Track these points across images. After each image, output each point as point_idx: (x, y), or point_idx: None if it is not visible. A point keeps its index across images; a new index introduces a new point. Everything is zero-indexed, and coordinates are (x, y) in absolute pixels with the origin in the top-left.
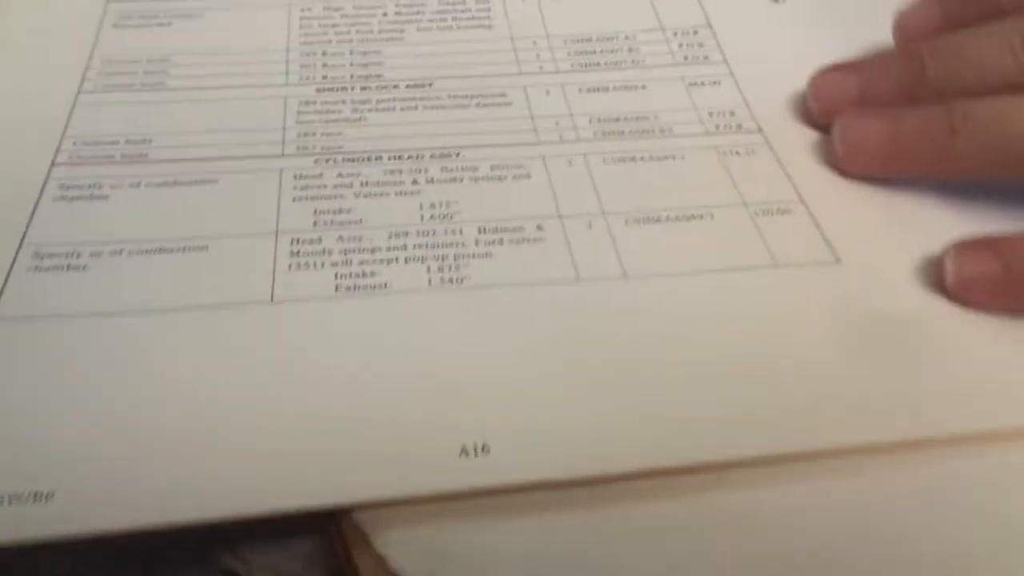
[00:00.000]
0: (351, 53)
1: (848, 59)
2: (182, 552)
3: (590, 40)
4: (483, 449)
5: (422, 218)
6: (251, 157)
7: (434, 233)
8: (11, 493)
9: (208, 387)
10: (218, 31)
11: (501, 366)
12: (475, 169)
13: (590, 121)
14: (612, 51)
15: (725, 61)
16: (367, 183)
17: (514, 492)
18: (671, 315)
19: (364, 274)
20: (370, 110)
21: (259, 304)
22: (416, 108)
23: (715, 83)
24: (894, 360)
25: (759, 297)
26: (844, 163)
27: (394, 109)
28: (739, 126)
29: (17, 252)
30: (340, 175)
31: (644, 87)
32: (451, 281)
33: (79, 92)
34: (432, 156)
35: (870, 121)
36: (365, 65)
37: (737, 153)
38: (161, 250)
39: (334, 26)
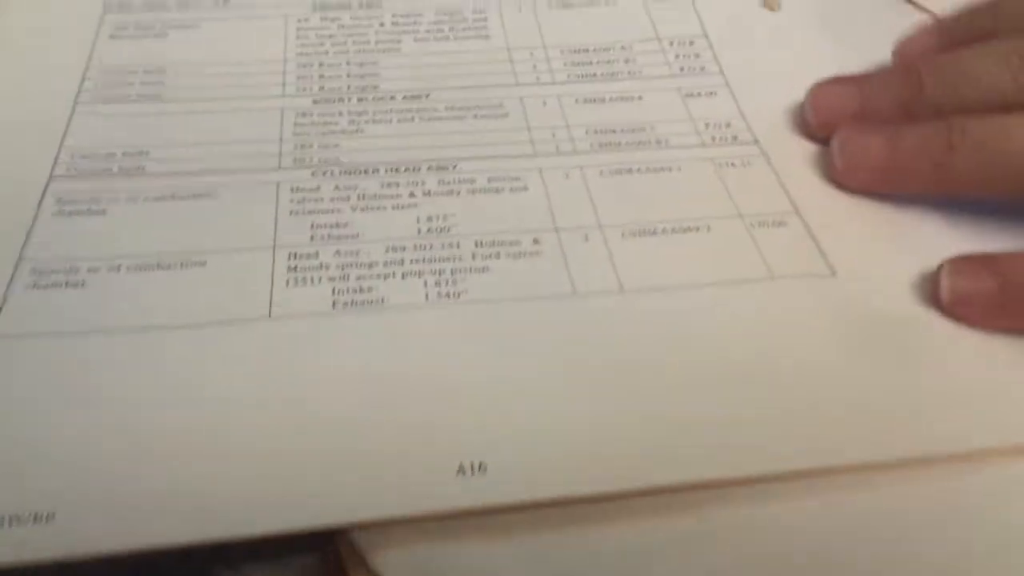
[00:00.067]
0: (348, 64)
1: (845, 70)
2: (182, 569)
3: (587, 51)
4: (480, 468)
5: (419, 231)
6: (248, 170)
7: (431, 247)
8: (12, 514)
9: (207, 406)
10: (215, 42)
11: (498, 383)
12: (472, 181)
13: (587, 132)
14: (608, 62)
15: (721, 72)
16: (364, 196)
17: (512, 511)
18: (667, 331)
19: (361, 289)
20: (367, 122)
21: (257, 321)
22: (413, 120)
23: (711, 94)
24: (889, 375)
25: (755, 312)
26: (843, 177)
27: (391, 121)
28: (735, 138)
29: (15, 269)
30: (337, 188)
31: (640, 98)
32: (448, 296)
33: (76, 103)
34: (429, 168)
35: (869, 137)
36: (362, 76)
37: (733, 165)
38: (159, 266)
39: (331, 37)
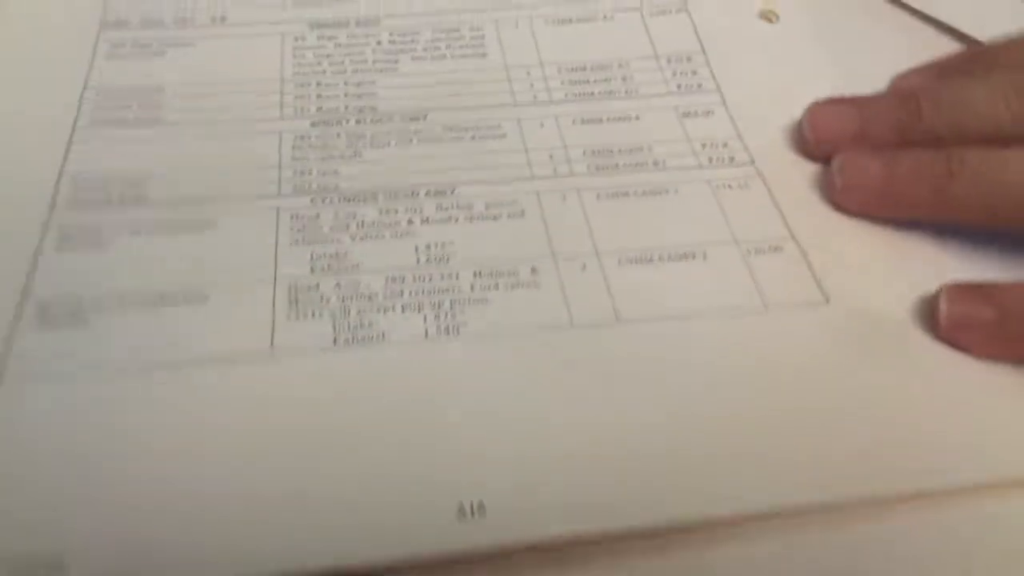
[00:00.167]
0: (345, 84)
1: (843, 84)
2: None
3: (584, 69)
4: (480, 509)
5: (418, 261)
6: (248, 197)
7: (430, 278)
8: (25, 566)
9: (209, 447)
10: (212, 60)
11: (497, 420)
12: (470, 207)
13: (584, 154)
14: (606, 80)
15: (718, 89)
16: (363, 224)
17: (511, 553)
18: (663, 366)
19: (362, 324)
20: (365, 145)
21: (260, 359)
22: (411, 142)
23: (708, 113)
24: (884, 406)
25: (749, 344)
26: (841, 198)
27: (389, 144)
28: (732, 158)
29: (21, 308)
30: (336, 216)
31: (638, 118)
32: (448, 330)
33: (75, 127)
34: (427, 194)
35: (869, 160)
36: (359, 96)
37: (730, 187)
38: (162, 300)
39: (328, 56)
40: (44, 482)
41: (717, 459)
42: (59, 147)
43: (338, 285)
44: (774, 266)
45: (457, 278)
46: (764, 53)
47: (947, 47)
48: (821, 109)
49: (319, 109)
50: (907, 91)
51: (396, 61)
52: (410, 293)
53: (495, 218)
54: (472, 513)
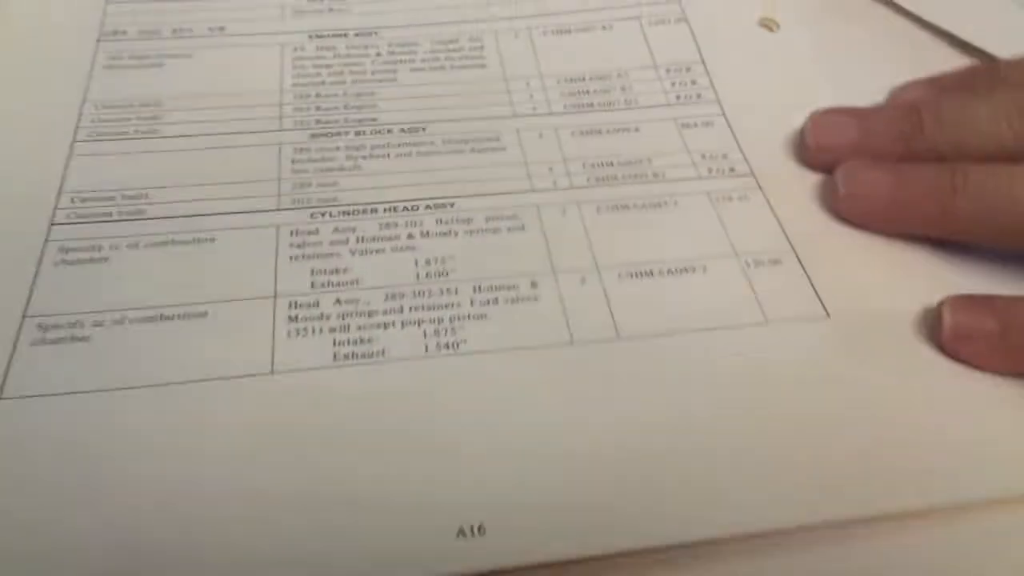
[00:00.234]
0: (344, 95)
1: (843, 93)
2: None
3: (583, 79)
4: (479, 530)
5: (417, 276)
6: (248, 211)
7: (429, 294)
8: None
9: (208, 463)
10: (211, 72)
11: (496, 439)
12: (469, 221)
13: (583, 166)
14: (605, 91)
15: (718, 100)
16: (362, 239)
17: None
18: (664, 384)
19: (362, 340)
20: (364, 157)
21: (260, 376)
22: (411, 155)
23: (707, 123)
24: (883, 423)
25: (750, 359)
26: (844, 206)
27: (388, 156)
28: (731, 169)
29: (21, 325)
30: (336, 230)
31: (637, 129)
32: (447, 347)
33: (74, 141)
34: (427, 207)
35: (875, 172)
36: (359, 108)
37: (730, 199)
38: (162, 316)
39: (327, 66)
40: (43, 498)
41: (720, 477)
42: (58, 162)
43: (338, 301)
44: (774, 278)
45: (456, 293)
46: (764, 62)
47: (948, 56)
48: (824, 117)
49: (318, 121)
50: (909, 104)
51: (395, 72)
52: (410, 309)
53: (495, 231)
54: (472, 533)
